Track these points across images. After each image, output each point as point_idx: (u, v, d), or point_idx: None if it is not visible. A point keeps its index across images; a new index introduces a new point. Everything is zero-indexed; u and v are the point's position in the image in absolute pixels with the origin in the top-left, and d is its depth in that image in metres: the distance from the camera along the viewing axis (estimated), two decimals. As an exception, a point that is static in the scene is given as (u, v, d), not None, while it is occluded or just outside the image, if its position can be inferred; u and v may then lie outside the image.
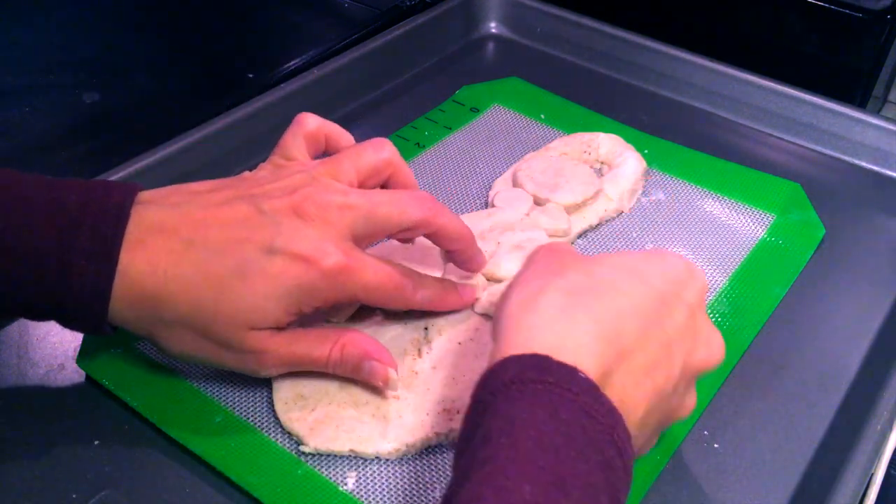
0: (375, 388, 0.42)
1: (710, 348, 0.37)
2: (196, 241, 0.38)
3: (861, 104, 0.69)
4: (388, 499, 0.40)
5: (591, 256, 0.40)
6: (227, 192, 0.40)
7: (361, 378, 0.42)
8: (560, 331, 0.33)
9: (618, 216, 0.56)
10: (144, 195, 0.40)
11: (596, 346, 0.33)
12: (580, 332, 0.33)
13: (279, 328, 0.40)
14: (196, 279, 0.38)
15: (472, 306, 0.47)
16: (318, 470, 0.40)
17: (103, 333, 0.40)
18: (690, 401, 0.38)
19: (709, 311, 0.49)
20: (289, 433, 0.42)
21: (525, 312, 0.35)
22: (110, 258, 0.37)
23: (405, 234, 0.43)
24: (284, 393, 0.43)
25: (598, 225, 0.55)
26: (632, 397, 0.34)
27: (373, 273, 0.40)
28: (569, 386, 0.31)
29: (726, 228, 0.55)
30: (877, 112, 0.68)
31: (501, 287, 0.47)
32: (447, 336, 0.45)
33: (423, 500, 0.40)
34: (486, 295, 0.47)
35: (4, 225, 0.37)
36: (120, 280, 0.38)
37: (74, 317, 0.39)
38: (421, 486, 0.40)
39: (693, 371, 0.37)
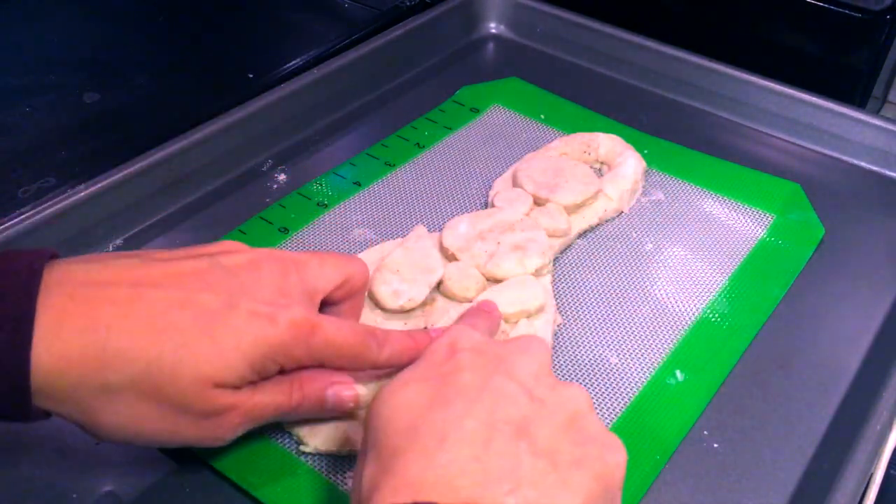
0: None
1: (574, 399, 0.34)
2: (145, 294, 0.34)
3: (861, 104, 0.69)
4: (388, 499, 0.40)
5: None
6: (172, 253, 0.37)
7: (329, 411, 0.39)
8: (443, 464, 0.30)
9: (617, 216, 0.56)
10: (66, 260, 0.35)
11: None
12: (459, 463, 0.30)
13: (237, 387, 0.36)
14: (151, 332, 0.34)
15: None
16: (318, 470, 0.40)
17: (30, 418, 0.33)
18: (612, 450, 0.33)
19: (709, 310, 0.49)
20: (289, 433, 0.42)
21: (409, 441, 0.31)
22: (20, 322, 0.32)
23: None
24: (284, 393, 0.42)
25: (598, 225, 0.55)
26: (544, 500, 0.30)
27: (336, 329, 0.38)
28: None
29: (726, 228, 0.55)
30: (876, 112, 0.68)
31: (500, 288, 0.47)
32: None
33: (423, 500, 0.40)
34: (485, 296, 0.47)
35: None
36: (48, 348, 0.32)
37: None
38: (421, 486, 0.40)
39: (592, 431, 0.33)
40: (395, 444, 0.31)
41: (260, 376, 0.37)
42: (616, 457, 0.33)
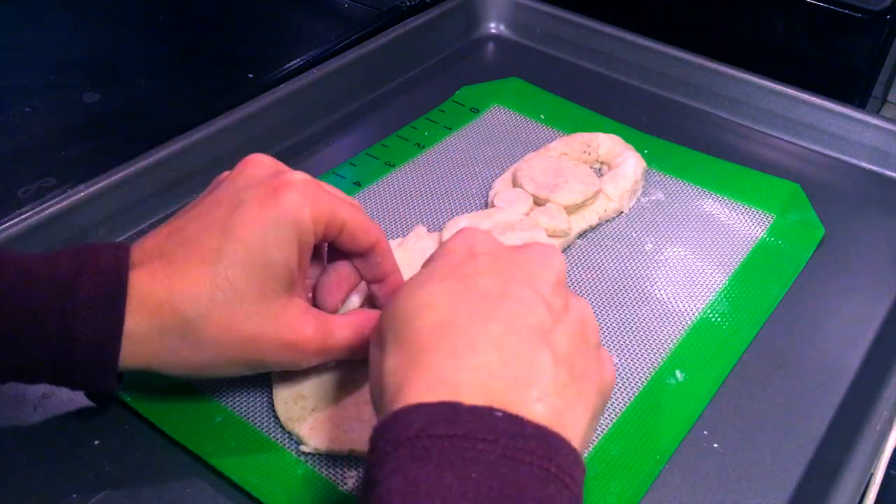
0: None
1: (582, 311, 0.35)
2: (175, 238, 0.38)
3: (860, 104, 0.70)
4: (388, 499, 0.39)
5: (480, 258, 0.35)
6: (207, 195, 0.41)
7: None
8: (475, 366, 0.31)
9: (617, 216, 0.56)
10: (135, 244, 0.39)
11: (506, 378, 0.30)
12: (490, 366, 0.31)
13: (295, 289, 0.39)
14: (201, 263, 0.37)
15: None
16: (318, 470, 0.40)
17: (111, 387, 0.38)
18: (607, 364, 0.35)
19: (709, 310, 0.49)
20: (289, 433, 0.42)
21: (437, 339, 0.32)
22: (118, 298, 0.36)
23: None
24: (284, 393, 0.42)
25: (598, 225, 0.55)
26: (567, 410, 0.31)
27: (338, 193, 0.41)
28: (483, 435, 0.28)
29: (726, 228, 0.55)
30: (876, 112, 0.68)
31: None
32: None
33: (423, 500, 0.40)
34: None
35: (3, 287, 0.36)
36: (131, 298, 0.37)
37: (84, 362, 0.37)
38: (421, 486, 0.40)
39: (593, 343, 0.35)
40: (423, 340, 0.32)
41: (300, 254, 0.39)
42: (611, 370, 0.35)
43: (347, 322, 0.40)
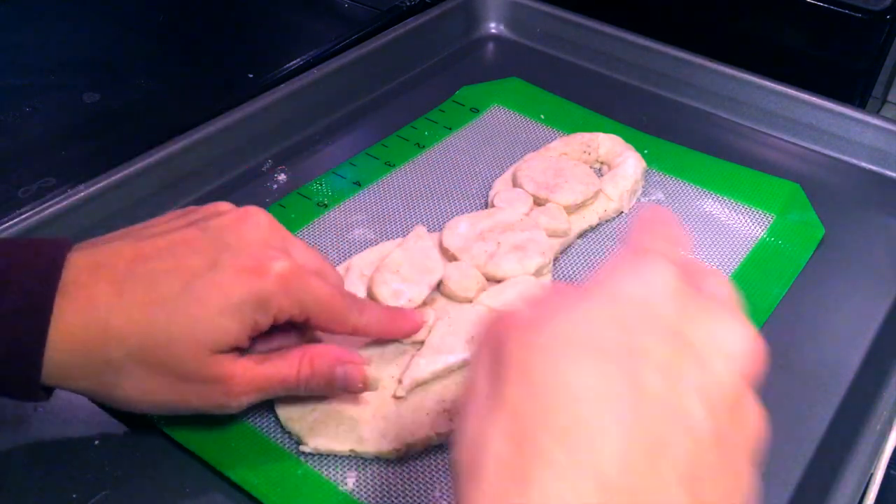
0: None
1: (747, 418, 0.26)
2: (137, 271, 0.36)
3: (861, 104, 0.69)
4: (388, 499, 0.40)
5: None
6: (167, 224, 0.39)
7: (337, 389, 0.40)
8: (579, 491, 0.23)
9: (617, 216, 0.56)
10: (78, 245, 0.37)
11: None
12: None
13: (240, 350, 0.38)
14: (142, 306, 0.35)
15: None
16: (318, 470, 0.40)
17: (36, 398, 0.36)
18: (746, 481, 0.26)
19: (709, 311, 0.49)
20: (289, 433, 0.42)
21: (560, 444, 0.23)
22: (42, 309, 0.34)
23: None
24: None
25: (598, 225, 0.55)
26: None
27: (321, 283, 0.39)
28: None
29: (726, 228, 0.55)
30: (876, 112, 0.68)
31: (501, 288, 0.47)
32: (447, 336, 0.45)
33: (422, 500, 0.40)
34: (485, 296, 0.47)
35: None
36: (55, 327, 0.35)
37: (4, 378, 0.35)
38: (421, 486, 0.40)
39: (736, 451, 0.26)
40: (545, 440, 0.23)
41: (254, 331, 0.37)
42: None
43: (288, 355, 0.39)
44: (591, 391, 0.24)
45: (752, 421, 0.26)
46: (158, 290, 0.36)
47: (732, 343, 0.26)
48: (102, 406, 0.43)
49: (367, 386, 0.40)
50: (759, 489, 0.26)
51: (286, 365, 0.39)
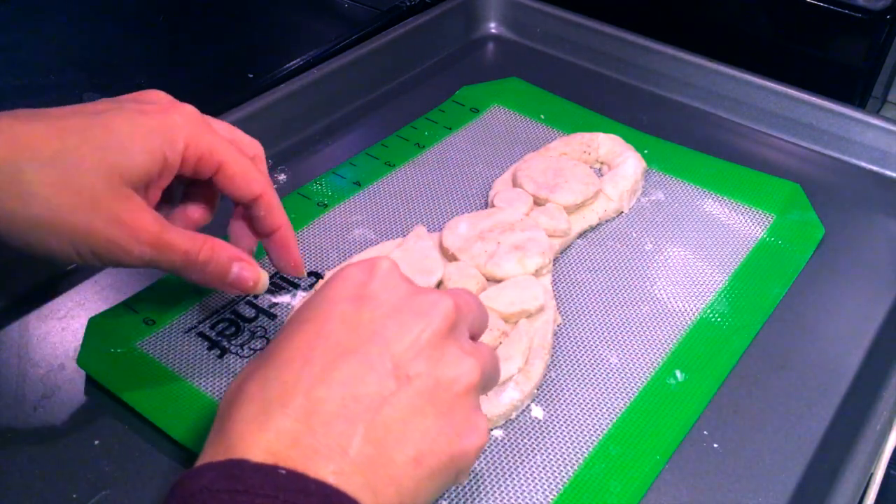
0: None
1: (444, 373, 0.33)
2: (52, 112, 0.38)
3: (861, 104, 0.69)
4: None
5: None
6: (94, 106, 0.40)
7: (229, 284, 0.41)
8: (279, 429, 0.30)
9: (617, 216, 0.56)
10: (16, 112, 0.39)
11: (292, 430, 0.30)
12: (294, 433, 0.30)
13: (147, 189, 0.39)
14: (56, 129, 0.37)
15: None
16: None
17: None
18: (470, 431, 0.33)
19: (709, 310, 0.49)
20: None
21: (259, 387, 0.32)
22: None
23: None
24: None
25: (598, 225, 0.55)
26: (377, 485, 0.30)
27: (230, 140, 0.42)
28: (264, 490, 0.28)
29: (726, 228, 0.55)
30: (876, 112, 0.68)
31: (500, 288, 0.47)
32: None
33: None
34: (485, 297, 0.47)
35: None
36: None
37: None
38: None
39: (447, 408, 0.32)
40: (247, 388, 0.32)
41: (163, 169, 0.39)
42: (476, 438, 0.34)
43: (192, 234, 0.40)
44: (316, 336, 0.32)
45: (452, 364, 0.33)
46: (71, 120, 0.37)
47: (425, 306, 0.34)
48: (102, 401, 0.43)
49: (257, 287, 0.42)
50: None
51: (190, 240, 0.40)
